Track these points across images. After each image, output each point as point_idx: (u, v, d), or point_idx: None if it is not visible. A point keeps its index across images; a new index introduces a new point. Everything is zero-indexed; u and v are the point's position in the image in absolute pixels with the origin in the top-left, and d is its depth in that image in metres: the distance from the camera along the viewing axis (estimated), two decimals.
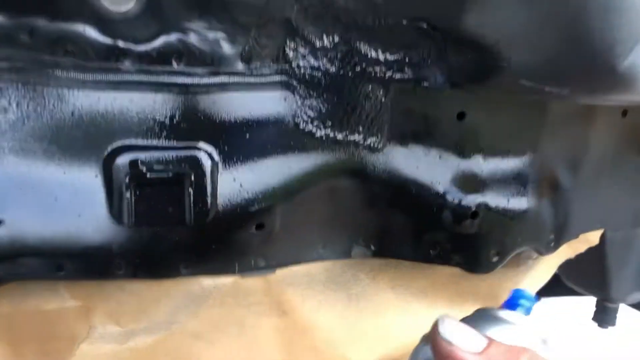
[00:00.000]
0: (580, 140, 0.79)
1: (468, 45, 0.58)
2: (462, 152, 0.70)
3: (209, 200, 0.60)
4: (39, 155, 0.56)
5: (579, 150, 0.79)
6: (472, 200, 0.70)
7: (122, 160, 0.57)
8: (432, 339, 0.49)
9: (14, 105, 0.56)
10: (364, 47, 0.61)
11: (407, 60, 0.62)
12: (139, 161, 0.56)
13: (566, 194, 0.79)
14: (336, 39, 0.60)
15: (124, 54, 0.56)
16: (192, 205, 0.59)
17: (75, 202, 0.57)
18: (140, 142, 0.58)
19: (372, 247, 0.73)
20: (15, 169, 0.56)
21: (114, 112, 0.58)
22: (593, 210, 0.86)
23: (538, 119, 0.72)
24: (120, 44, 0.56)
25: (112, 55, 0.56)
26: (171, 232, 0.61)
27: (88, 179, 0.58)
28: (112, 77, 0.57)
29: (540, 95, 0.59)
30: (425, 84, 0.63)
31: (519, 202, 0.73)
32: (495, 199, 0.71)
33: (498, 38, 0.55)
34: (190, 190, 0.58)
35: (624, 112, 0.81)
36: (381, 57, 0.61)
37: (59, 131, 0.57)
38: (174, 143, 0.59)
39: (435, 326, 0.49)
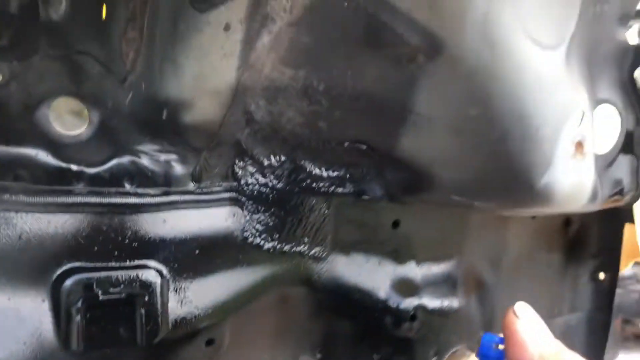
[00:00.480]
0: (499, 242, 0.86)
1: (404, 165, 0.64)
2: (398, 258, 0.75)
3: (159, 319, 0.59)
4: None
5: (499, 250, 0.87)
6: (409, 303, 0.75)
7: (71, 282, 0.56)
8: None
9: None
10: (309, 165, 0.65)
11: (348, 176, 0.67)
12: (94, 284, 0.55)
13: (491, 291, 0.86)
14: (283, 158, 0.64)
15: (76, 176, 0.57)
16: (143, 325, 0.58)
17: (20, 330, 0.55)
18: (89, 263, 0.58)
19: (318, 355, 0.74)
20: None
21: (63, 234, 0.57)
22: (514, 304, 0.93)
23: (462, 227, 0.79)
24: (73, 167, 0.57)
25: (64, 178, 0.56)
26: (120, 354, 0.60)
27: (34, 304, 0.56)
28: (63, 199, 0.57)
29: (469, 208, 0.65)
30: (365, 197, 0.68)
31: (451, 302, 0.79)
32: (430, 301, 0.76)
33: (431, 159, 0.61)
34: (142, 310, 0.58)
35: (533, 215, 0.90)
36: (325, 174, 0.66)
37: (4, 256, 0.55)
38: (124, 263, 0.59)
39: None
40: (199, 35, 0.52)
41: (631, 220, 0.91)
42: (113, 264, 0.58)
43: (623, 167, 0.72)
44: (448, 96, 0.56)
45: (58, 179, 0.56)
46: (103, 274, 0.57)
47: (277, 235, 0.67)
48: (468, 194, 0.63)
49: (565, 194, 0.61)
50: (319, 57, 0.56)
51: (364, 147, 0.64)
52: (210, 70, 0.54)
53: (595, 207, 0.69)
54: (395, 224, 0.73)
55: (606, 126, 0.68)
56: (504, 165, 0.58)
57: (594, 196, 0.65)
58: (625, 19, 0.70)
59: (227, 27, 0.51)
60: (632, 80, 0.71)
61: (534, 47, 0.55)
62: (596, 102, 0.66)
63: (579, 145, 0.60)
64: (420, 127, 0.59)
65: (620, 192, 0.73)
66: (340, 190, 0.67)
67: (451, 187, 0.63)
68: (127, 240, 0.59)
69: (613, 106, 0.69)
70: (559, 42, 0.58)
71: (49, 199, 0.56)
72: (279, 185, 0.65)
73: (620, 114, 0.70)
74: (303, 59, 0.56)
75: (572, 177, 0.61)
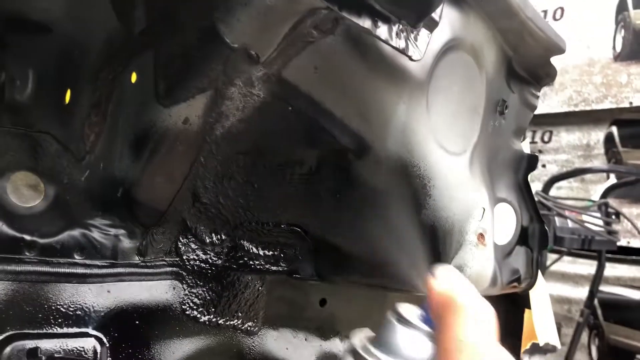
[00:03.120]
0: None
1: (333, 248, 0.71)
2: (324, 334, 0.81)
3: None
4: None
5: None
6: None
7: (12, 348, 0.58)
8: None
9: None
10: (247, 244, 0.72)
11: (282, 255, 0.74)
12: (39, 350, 0.58)
13: None
14: (224, 236, 0.71)
15: (29, 246, 0.60)
16: None
17: None
18: (33, 330, 0.60)
19: None
20: None
21: (8, 301, 0.60)
22: None
23: (383, 306, 0.87)
24: (26, 237, 0.60)
25: (17, 247, 0.60)
26: None
27: None
28: (13, 267, 0.60)
29: (387, 288, 0.74)
30: (297, 275, 0.75)
31: None
32: None
33: (357, 244, 0.69)
34: None
35: None
36: (261, 252, 0.73)
37: None
38: (67, 330, 0.62)
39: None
40: (160, 126, 0.59)
41: (529, 306, 1.02)
42: (56, 330, 0.61)
43: (520, 258, 0.83)
44: (374, 190, 0.65)
45: (11, 248, 0.59)
46: (45, 340, 0.60)
47: (213, 309, 0.71)
48: (386, 276, 0.71)
49: (469, 278, 0.70)
50: (264, 148, 0.65)
51: (299, 230, 0.71)
52: (166, 156, 0.61)
53: (495, 291, 0.78)
54: (322, 303, 0.80)
55: (505, 222, 0.80)
56: (419, 250, 0.67)
57: (493, 282, 0.75)
58: (519, 132, 0.84)
59: (185, 121, 0.58)
60: (526, 184, 0.84)
61: (443, 153, 0.66)
62: (496, 200, 0.77)
63: (481, 236, 0.71)
64: (349, 215, 0.68)
65: (518, 280, 0.83)
66: (274, 268, 0.74)
67: (374, 269, 0.71)
68: (70, 309, 0.62)
69: (510, 205, 0.80)
70: (464, 149, 0.69)
71: (0, 267, 0.59)
72: (218, 262, 0.71)
73: (516, 211, 0.82)
74: (250, 149, 0.64)
75: (475, 264, 0.71)
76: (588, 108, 2.75)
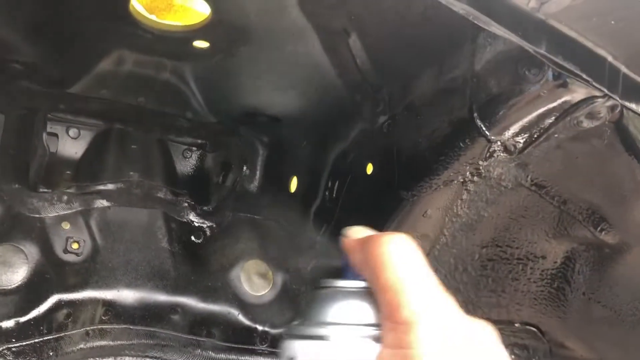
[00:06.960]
0: None
1: (575, 352, 0.63)
2: None
3: None
4: None
5: None
6: None
7: None
8: None
9: None
10: None
11: (513, 356, 0.66)
12: None
13: None
14: None
15: (261, 337, 0.60)
16: None
17: None
18: None
19: None
20: None
21: None
22: None
23: None
24: (259, 327, 0.60)
25: (250, 337, 0.60)
26: None
27: None
28: (246, 357, 0.59)
29: None
30: None
31: None
32: None
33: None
34: None
35: None
36: None
37: None
38: None
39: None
40: (397, 215, 0.56)
41: None
42: None
43: None
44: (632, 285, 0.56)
45: (245, 338, 0.60)
46: None
47: None
48: None
49: None
50: (505, 241, 0.59)
51: (535, 330, 0.64)
52: None
53: None
54: None
55: None
56: None
57: None
58: None
59: (425, 213, 0.55)
60: None
61: None
62: None
63: None
64: (603, 319, 0.59)
65: None
66: None
67: None
68: None
69: None
70: None
71: (234, 357, 0.59)
72: None
73: None
74: (489, 242, 0.59)
75: None
76: None
